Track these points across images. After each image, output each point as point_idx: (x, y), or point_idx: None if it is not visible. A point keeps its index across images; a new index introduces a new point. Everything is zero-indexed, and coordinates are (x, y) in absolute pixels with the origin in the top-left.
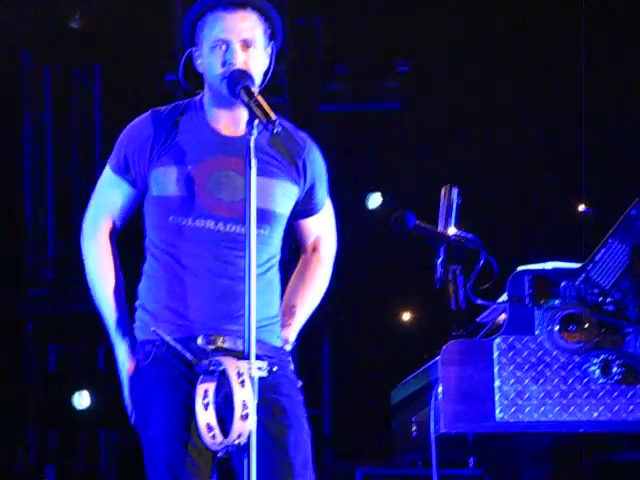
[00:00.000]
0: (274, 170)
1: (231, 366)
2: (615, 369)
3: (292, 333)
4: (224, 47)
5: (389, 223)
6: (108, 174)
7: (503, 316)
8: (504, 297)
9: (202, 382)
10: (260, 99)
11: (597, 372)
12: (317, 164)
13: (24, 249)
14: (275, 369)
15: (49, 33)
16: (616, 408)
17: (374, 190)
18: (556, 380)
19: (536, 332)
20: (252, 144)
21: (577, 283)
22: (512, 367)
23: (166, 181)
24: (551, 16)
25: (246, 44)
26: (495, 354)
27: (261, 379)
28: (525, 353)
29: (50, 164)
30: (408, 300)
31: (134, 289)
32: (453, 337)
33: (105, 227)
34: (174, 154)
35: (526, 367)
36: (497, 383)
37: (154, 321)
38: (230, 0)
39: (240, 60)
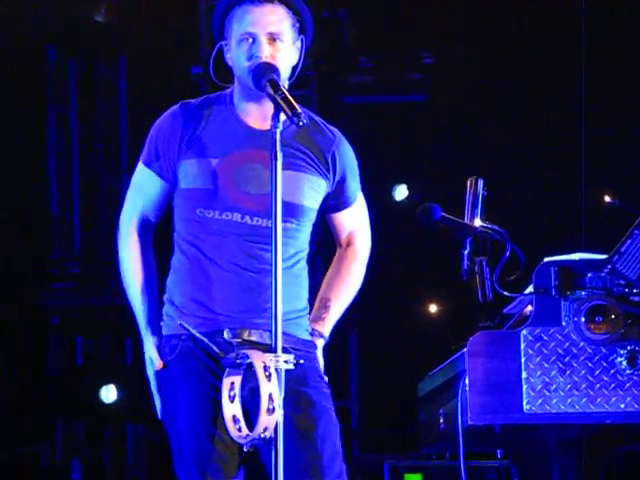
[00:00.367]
0: (302, 164)
1: (258, 359)
2: None
3: (327, 327)
4: (251, 40)
5: (415, 215)
6: (140, 169)
7: (530, 307)
8: (530, 288)
9: (228, 375)
10: (286, 92)
11: (624, 363)
12: (347, 158)
13: (50, 243)
14: (302, 362)
15: (74, 27)
16: None
17: (400, 182)
18: (583, 371)
19: (563, 323)
20: (278, 137)
21: (603, 274)
22: (539, 358)
23: (194, 173)
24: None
25: (273, 37)
26: (522, 345)
27: (288, 371)
28: (552, 344)
29: (76, 158)
30: (435, 292)
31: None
32: (480, 328)
33: (139, 225)
34: (202, 146)
35: (553, 358)
36: (524, 374)
37: (180, 314)
38: None
39: (266, 53)
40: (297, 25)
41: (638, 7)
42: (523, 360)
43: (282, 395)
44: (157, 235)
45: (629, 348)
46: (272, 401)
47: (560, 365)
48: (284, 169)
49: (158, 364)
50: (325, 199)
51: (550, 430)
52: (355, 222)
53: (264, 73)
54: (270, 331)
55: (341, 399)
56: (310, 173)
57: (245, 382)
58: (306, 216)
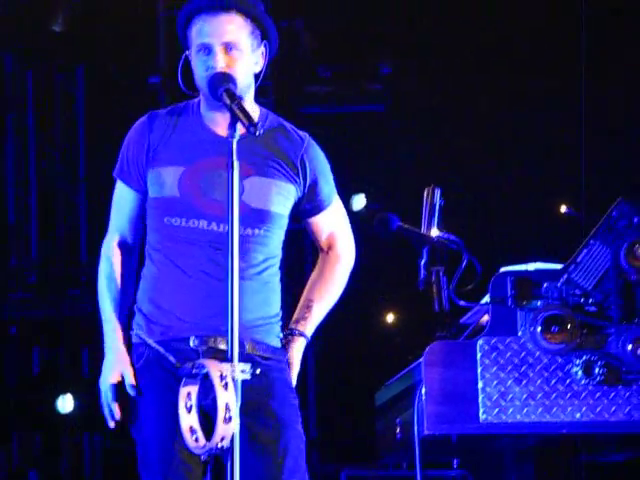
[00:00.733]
0: (269, 170)
1: (214, 369)
2: (597, 370)
3: (308, 327)
4: (206, 51)
5: (372, 225)
6: (117, 185)
7: (486, 317)
8: (487, 298)
9: (185, 385)
10: (242, 102)
11: (579, 373)
12: (317, 161)
13: (6, 252)
14: (258, 372)
15: (31, 36)
16: (598, 409)
17: (358, 192)
18: (539, 381)
19: (519, 333)
20: (234, 146)
21: (559, 284)
22: (495, 368)
23: (161, 182)
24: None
25: (228, 47)
26: (478, 355)
27: (253, 382)
28: (508, 354)
29: (33, 167)
30: (391, 302)
31: None
32: (436, 338)
33: (117, 247)
34: (169, 155)
35: (509, 368)
36: (480, 384)
37: (148, 322)
38: (213, 3)
39: (221, 64)
40: (257, 32)
41: (638, 7)
42: (479, 370)
43: (239, 404)
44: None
45: (585, 358)
46: (229, 410)
47: (516, 375)
48: (251, 175)
49: (112, 378)
50: (298, 204)
51: (506, 440)
52: (333, 225)
53: (220, 83)
54: (239, 338)
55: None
56: (278, 179)
57: (208, 392)
58: (275, 222)
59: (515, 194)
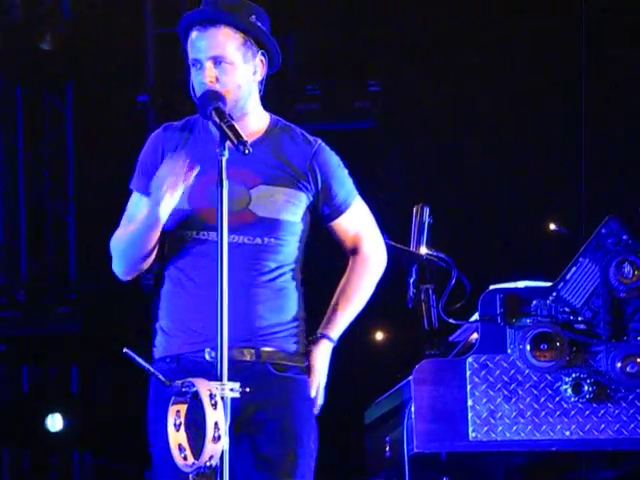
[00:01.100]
0: (277, 178)
1: (203, 387)
2: (586, 387)
3: (333, 329)
4: (198, 66)
5: None
6: (132, 196)
7: (475, 335)
8: (476, 316)
9: (174, 403)
10: (232, 120)
11: (569, 391)
12: (328, 165)
13: None
14: (248, 390)
15: (21, 54)
16: (588, 427)
17: None
18: (528, 399)
19: (508, 351)
20: (224, 165)
21: (548, 302)
22: (484, 386)
23: None
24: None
25: (216, 61)
26: (467, 373)
27: (269, 394)
28: (497, 372)
29: (22, 185)
30: (381, 319)
31: None
32: (426, 356)
33: None
34: None
35: (498, 386)
36: (470, 402)
37: (166, 337)
38: (201, 18)
39: (209, 78)
40: (250, 43)
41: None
42: (469, 388)
43: (228, 423)
44: None
45: (574, 375)
46: (218, 429)
47: (505, 392)
48: (258, 184)
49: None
50: (314, 211)
51: (496, 458)
52: (356, 226)
53: (209, 101)
54: (254, 348)
55: None
56: (286, 187)
57: (197, 410)
58: (286, 230)
59: (504, 212)
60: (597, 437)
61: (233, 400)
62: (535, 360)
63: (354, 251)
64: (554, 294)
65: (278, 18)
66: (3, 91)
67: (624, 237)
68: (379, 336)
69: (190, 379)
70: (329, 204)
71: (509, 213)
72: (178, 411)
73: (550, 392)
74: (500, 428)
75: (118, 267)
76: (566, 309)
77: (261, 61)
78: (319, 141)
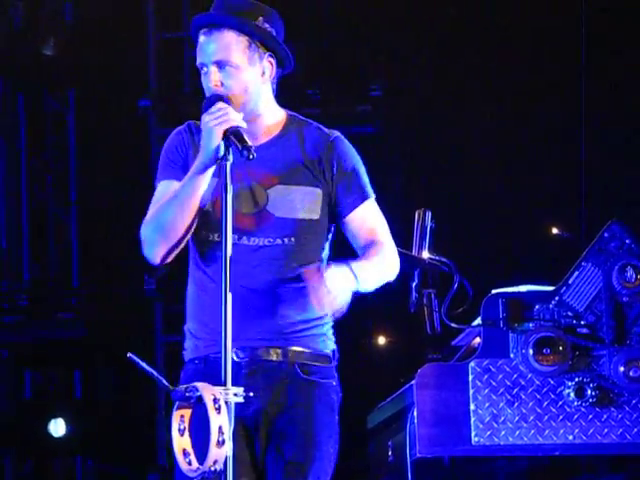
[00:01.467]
0: (294, 176)
1: (207, 392)
2: (589, 392)
3: (357, 265)
4: (205, 70)
5: None
6: (159, 186)
7: (478, 339)
8: (478, 320)
9: (178, 408)
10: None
11: (572, 395)
12: (344, 159)
13: None
14: (252, 394)
15: (23, 60)
16: (591, 431)
17: None
18: (531, 403)
19: (511, 355)
20: (228, 170)
21: (551, 306)
22: (487, 390)
23: None
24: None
25: (220, 65)
26: (470, 377)
27: (293, 398)
28: (500, 376)
29: (25, 190)
30: (383, 324)
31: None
32: (428, 361)
33: None
34: None
35: (501, 390)
36: (472, 406)
37: (194, 339)
38: (205, 23)
39: (214, 82)
40: (255, 45)
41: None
42: (471, 392)
43: (232, 427)
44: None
45: (577, 380)
46: (222, 434)
47: (508, 397)
48: (275, 184)
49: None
50: (331, 205)
51: (499, 462)
52: (371, 222)
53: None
54: (281, 347)
55: None
56: (302, 184)
57: (201, 415)
58: (305, 230)
59: (506, 216)
60: (600, 441)
61: (256, 398)
62: (538, 364)
63: (368, 246)
64: (557, 298)
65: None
66: (5, 96)
67: (627, 241)
68: (381, 340)
69: (194, 383)
70: (345, 196)
71: (511, 217)
72: (182, 416)
73: (553, 396)
74: (503, 432)
75: (153, 247)
76: (569, 313)
77: (270, 62)
78: (336, 133)
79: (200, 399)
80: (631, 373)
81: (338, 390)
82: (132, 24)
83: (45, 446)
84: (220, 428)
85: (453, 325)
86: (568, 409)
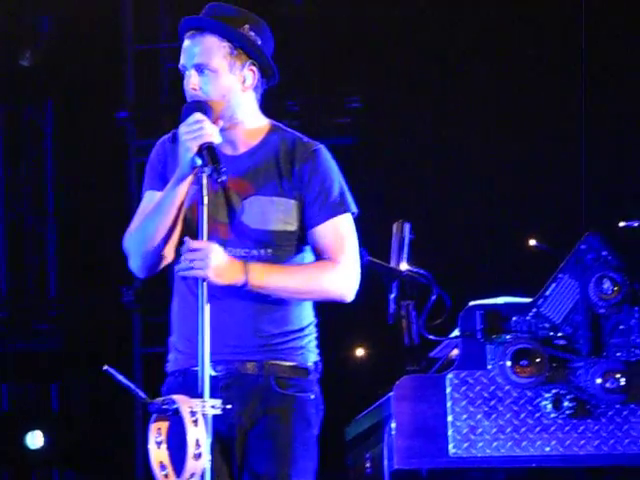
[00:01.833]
0: (270, 187)
1: (184, 405)
2: (566, 403)
3: (260, 268)
4: (186, 73)
5: None
6: (144, 196)
7: (455, 351)
8: (456, 332)
9: (155, 421)
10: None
11: (549, 406)
12: (318, 171)
13: None
14: (229, 406)
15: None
16: (568, 442)
17: None
18: (508, 415)
19: (488, 367)
20: (205, 181)
21: (528, 318)
22: (465, 402)
23: None
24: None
25: (199, 69)
26: (448, 389)
27: (268, 413)
28: (477, 388)
29: (2, 201)
30: (361, 336)
31: None
32: (406, 372)
33: None
34: None
35: (479, 402)
36: (450, 418)
37: (176, 352)
38: (189, 26)
39: (192, 85)
40: (236, 52)
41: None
42: (449, 404)
43: (210, 440)
44: None
45: (554, 391)
46: (199, 446)
47: (486, 409)
48: (251, 195)
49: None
50: (305, 216)
51: (476, 474)
52: (331, 243)
53: (192, 113)
54: (257, 361)
55: None
56: (278, 196)
57: (178, 427)
58: (280, 241)
59: (484, 228)
60: (577, 453)
61: (232, 411)
62: (515, 376)
63: (319, 260)
64: (534, 310)
65: None
66: None
67: (603, 253)
68: (359, 352)
69: (171, 396)
70: (311, 208)
71: (489, 229)
72: (159, 429)
73: (530, 408)
74: (480, 444)
75: (138, 259)
76: (546, 325)
77: (252, 71)
78: (318, 145)
79: (177, 411)
80: (608, 385)
81: (318, 403)
82: (109, 36)
83: (22, 458)
84: (197, 441)
85: (431, 337)
86: (545, 421)
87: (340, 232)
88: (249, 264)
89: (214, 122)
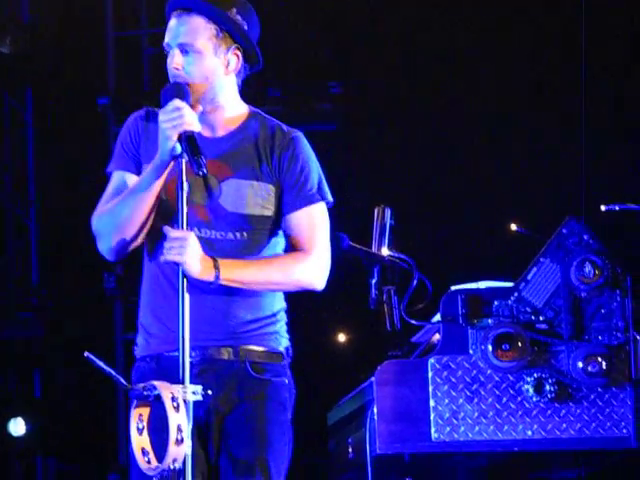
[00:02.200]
0: (247, 171)
1: (165, 391)
2: (548, 387)
3: (229, 264)
4: (170, 52)
5: None
6: (113, 176)
7: (437, 336)
8: (438, 317)
9: (136, 407)
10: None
11: (530, 390)
12: (296, 158)
13: None
14: (210, 392)
15: None
16: (549, 426)
17: None
18: (490, 399)
19: (470, 351)
20: (184, 167)
21: (510, 302)
22: (447, 387)
23: None
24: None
25: (183, 48)
26: (430, 374)
27: (244, 397)
28: (459, 373)
29: None
30: (343, 321)
31: None
32: (388, 357)
33: None
34: (154, 154)
35: (460, 386)
36: (432, 403)
37: (147, 335)
38: (175, 6)
39: (175, 64)
40: (222, 35)
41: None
42: (431, 389)
43: (191, 425)
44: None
45: (536, 375)
46: (181, 432)
47: (468, 393)
48: (229, 178)
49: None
50: (282, 202)
51: (459, 458)
52: (304, 231)
53: (172, 96)
54: (232, 346)
55: None
56: (255, 180)
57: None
58: (257, 225)
59: (465, 212)
60: (559, 436)
61: (208, 397)
62: (497, 360)
63: (290, 249)
64: (515, 294)
65: None
66: None
67: (585, 237)
68: (341, 337)
69: (152, 382)
70: (287, 195)
71: (470, 214)
72: (140, 414)
73: (512, 392)
74: (462, 429)
75: (108, 241)
76: (527, 309)
77: (236, 55)
78: (296, 133)
79: (158, 397)
80: (589, 368)
81: (291, 387)
82: (90, 22)
83: (5, 445)
84: (179, 426)
85: (413, 322)
86: (527, 405)
87: (314, 221)
88: (219, 261)
89: (193, 106)
